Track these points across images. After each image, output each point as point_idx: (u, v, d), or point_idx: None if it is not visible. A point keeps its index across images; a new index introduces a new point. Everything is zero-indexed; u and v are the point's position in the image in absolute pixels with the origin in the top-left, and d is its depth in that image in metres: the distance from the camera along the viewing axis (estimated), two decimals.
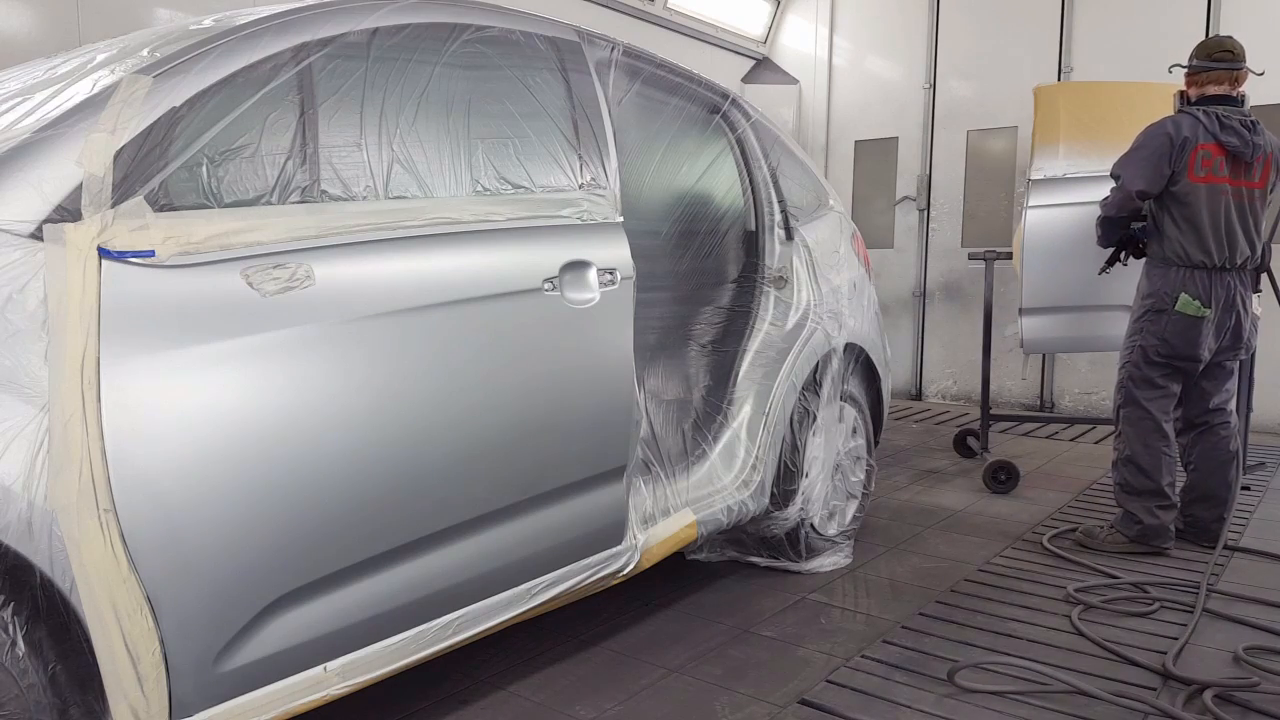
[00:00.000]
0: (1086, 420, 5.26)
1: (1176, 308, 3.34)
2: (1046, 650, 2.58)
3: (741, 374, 3.03)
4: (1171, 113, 3.47)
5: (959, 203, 7.06)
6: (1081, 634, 2.67)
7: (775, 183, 3.25)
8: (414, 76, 2.03)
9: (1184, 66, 3.48)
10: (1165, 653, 2.50)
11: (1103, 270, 3.76)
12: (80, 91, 1.58)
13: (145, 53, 1.68)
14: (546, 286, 2.16)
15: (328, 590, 1.76)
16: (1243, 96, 3.41)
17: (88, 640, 1.42)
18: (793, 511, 3.10)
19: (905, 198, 7.30)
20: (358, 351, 1.78)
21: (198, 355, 1.55)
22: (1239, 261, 3.38)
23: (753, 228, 3.18)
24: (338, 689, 1.77)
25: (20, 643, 1.38)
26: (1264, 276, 3.59)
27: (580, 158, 2.36)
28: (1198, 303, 3.33)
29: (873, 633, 2.72)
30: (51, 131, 1.50)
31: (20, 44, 3.51)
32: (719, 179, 3.14)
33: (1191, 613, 2.81)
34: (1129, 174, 3.38)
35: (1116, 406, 3.55)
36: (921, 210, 7.23)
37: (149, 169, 1.55)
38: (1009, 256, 4.81)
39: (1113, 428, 3.59)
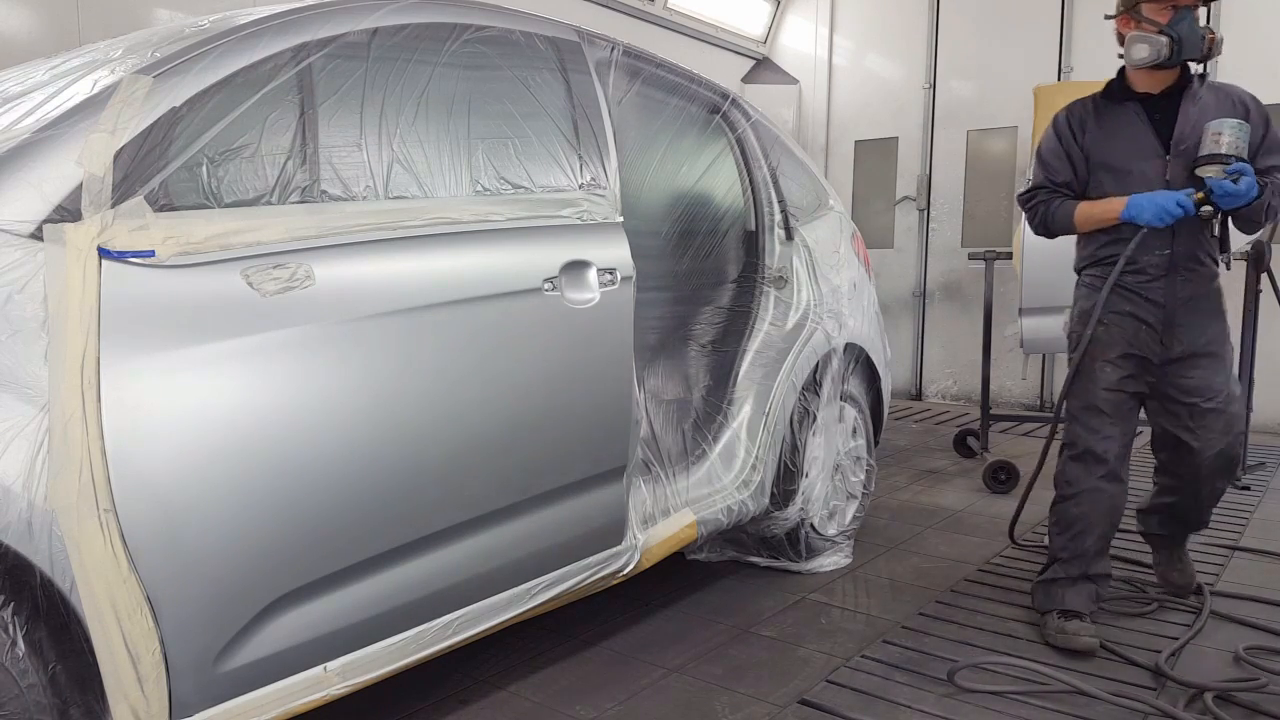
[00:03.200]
0: None
1: None
2: (1046, 650, 2.58)
3: (741, 374, 3.03)
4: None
5: (959, 203, 7.06)
6: None
7: (775, 183, 3.25)
8: (414, 77, 2.03)
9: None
10: (1159, 652, 2.50)
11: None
12: (80, 91, 1.58)
13: (145, 53, 1.68)
14: (546, 286, 2.16)
15: (328, 590, 1.76)
16: None
17: (88, 640, 1.42)
18: (793, 511, 3.10)
19: (905, 198, 7.30)
20: (358, 352, 1.78)
21: (198, 355, 1.55)
22: None
23: (753, 228, 3.18)
24: (338, 689, 1.77)
25: (20, 643, 1.38)
26: (1264, 276, 3.58)
27: (580, 158, 2.36)
28: None
29: (873, 633, 2.72)
30: (51, 131, 1.50)
31: (20, 44, 3.50)
32: (719, 179, 3.14)
33: (1190, 612, 2.81)
34: None
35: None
36: (921, 210, 7.22)
37: (149, 169, 1.55)
38: (1009, 256, 4.81)
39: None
